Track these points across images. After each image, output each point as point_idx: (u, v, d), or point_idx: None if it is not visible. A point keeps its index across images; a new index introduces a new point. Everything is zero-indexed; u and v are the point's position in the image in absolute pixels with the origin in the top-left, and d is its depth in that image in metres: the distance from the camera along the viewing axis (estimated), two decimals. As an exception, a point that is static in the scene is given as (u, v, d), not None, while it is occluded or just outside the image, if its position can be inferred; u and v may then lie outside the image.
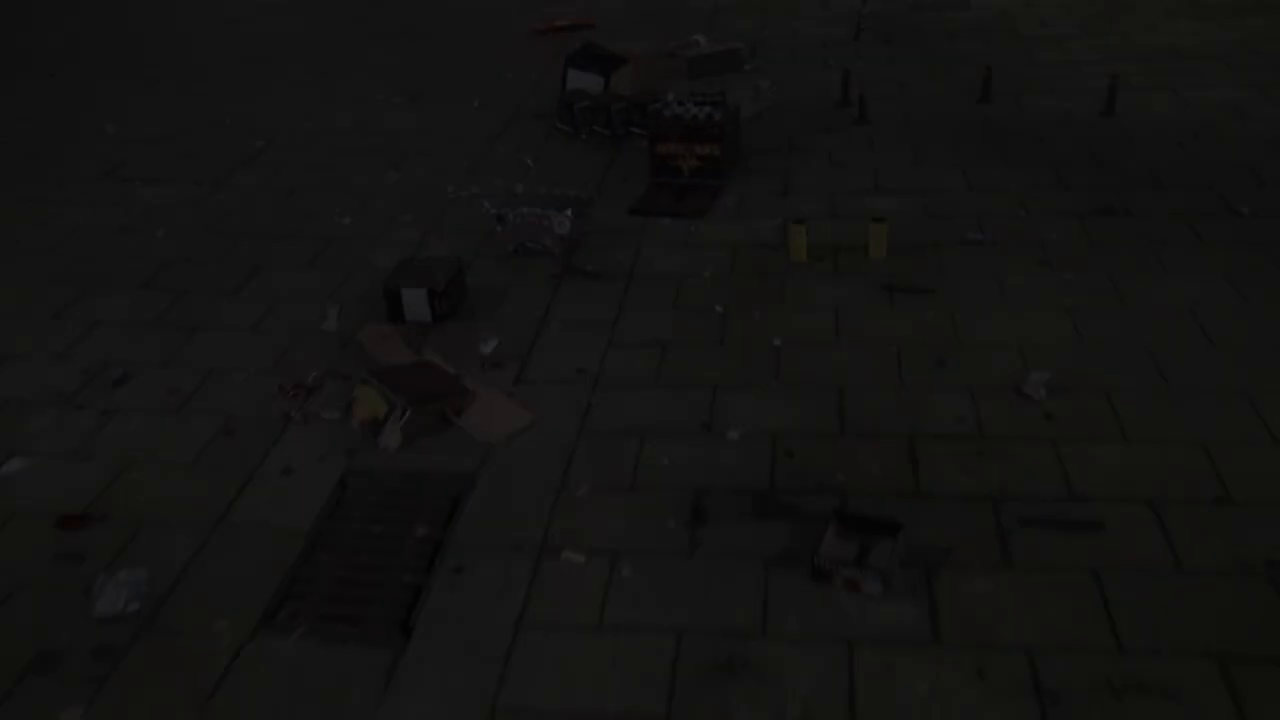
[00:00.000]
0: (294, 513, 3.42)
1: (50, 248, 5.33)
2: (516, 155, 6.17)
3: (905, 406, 3.68)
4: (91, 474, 3.63)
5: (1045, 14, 8.13)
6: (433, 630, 2.94)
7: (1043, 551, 3.02)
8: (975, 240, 4.76)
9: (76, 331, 4.53)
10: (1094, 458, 3.36)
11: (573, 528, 3.26)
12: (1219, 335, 3.95)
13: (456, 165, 6.07)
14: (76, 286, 4.91)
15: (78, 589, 3.13)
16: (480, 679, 2.77)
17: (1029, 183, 5.30)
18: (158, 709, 2.75)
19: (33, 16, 10.31)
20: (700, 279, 4.66)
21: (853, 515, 3.10)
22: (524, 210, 4.90)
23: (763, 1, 8.92)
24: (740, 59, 7.38)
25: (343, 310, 4.57)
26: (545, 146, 6.28)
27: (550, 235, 4.91)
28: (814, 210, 5.19)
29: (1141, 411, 3.56)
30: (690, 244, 4.99)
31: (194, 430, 3.84)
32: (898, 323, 4.19)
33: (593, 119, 6.37)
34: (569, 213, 4.89)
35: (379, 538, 3.32)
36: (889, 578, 2.92)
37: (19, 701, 2.79)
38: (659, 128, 5.55)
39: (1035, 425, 3.53)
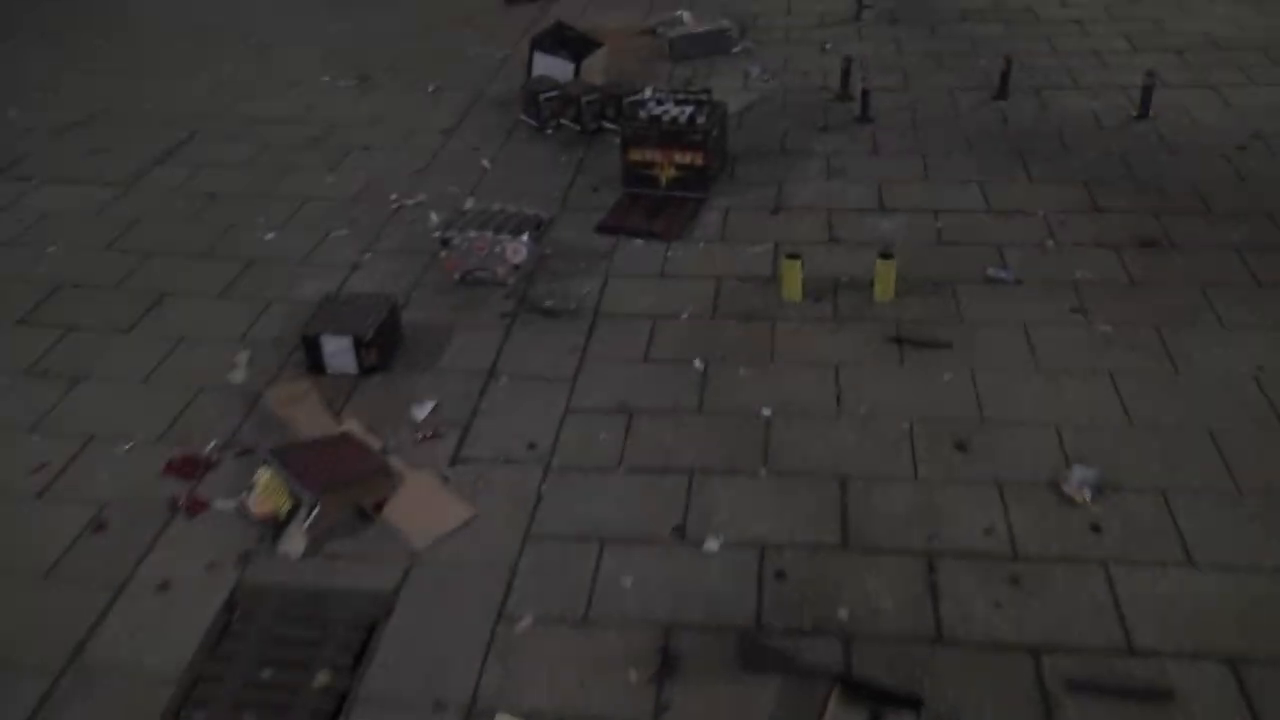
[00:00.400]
0: (167, 647, 2.75)
1: (-79, 266, 4.60)
2: (473, 154, 5.43)
3: (921, 509, 3.03)
4: (-77, 587, 2.96)
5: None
6: (324, 835, 2.30)
7: (1099, 733, 2.39)
8: (997, 279, 4.09)
9: (-64, 380, 3.83)
10: (1155, 591, 2.73)
11: (509, 678, 2.62)
12: (1293, 415, 3.31)
13: (404, 165, 5.33)
14: (-55, 319, 4.19)
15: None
16: None
17: (1056, 203, 4.62)
18: None
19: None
20: (677, 321, 3.97)
21: (860, 684, 2.46)
22: (472, 235, 4.19)
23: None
24: (729, 40, 6.63)
25: (254, 357, 3.87)
26: (505, 144, 5.54)
27: (502, 264, 4.21)
28: (810, 233, 4.50)
29: (1208, 523, 2.92)
30: (666, 274, 4.29)
31: (58, 523, 3.15)
32: (909, 388, 3.53)
33: (560, 111, 5.63)
34: (525, 238, 4.18)
35: (268, 688, 2.65)
36: (906, 774, 2.29)
37: None
38: (634, 131, 4.82)
39: (1081, 541, 2.89)
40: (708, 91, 4.96)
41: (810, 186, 4.90)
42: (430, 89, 6.28)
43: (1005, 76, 5.70)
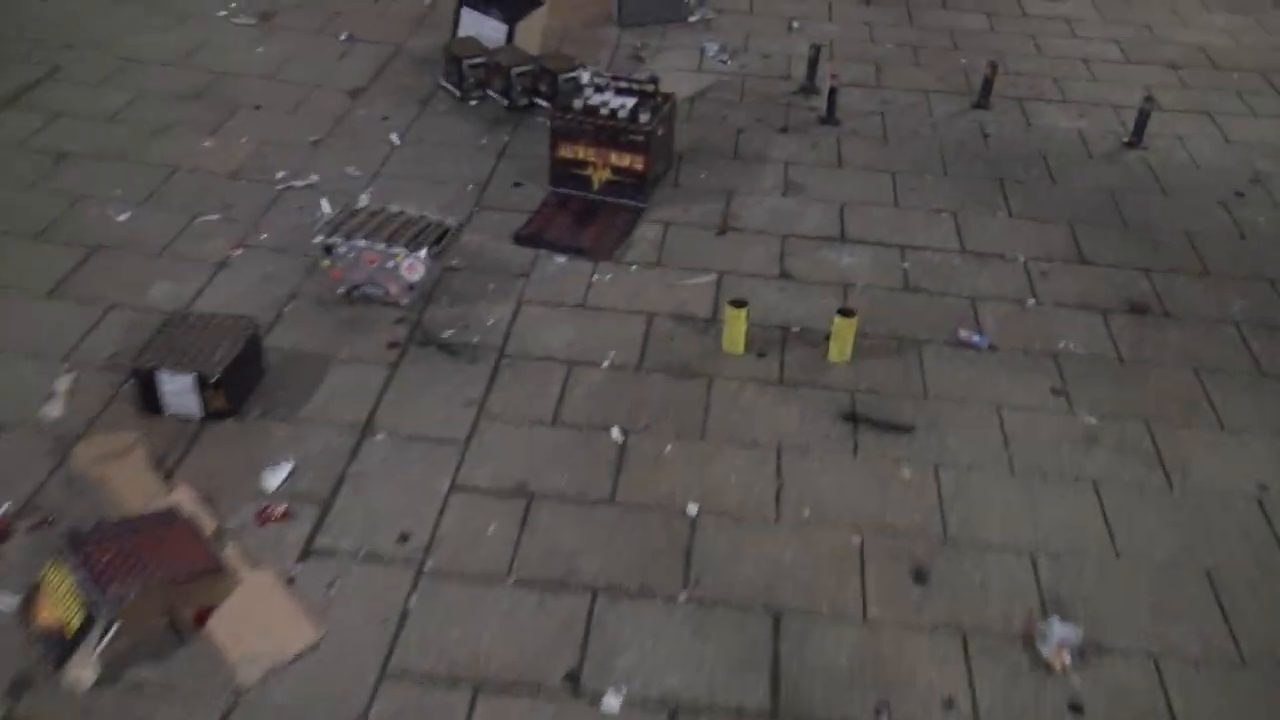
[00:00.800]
0: (-106, 817, 2.12)
1: None
2: (381, 125, 4.70)
3: (869, 664, 2.50)
4: None
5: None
6: None
7: None
8: (969, 343, 3.54)
9: None
10: (1143, 803, 2.25)
11: None
12: (1301, 554, 2.84)
13: (298, 133, 4.58)
14: None
15: None
16: None
17: (1039, 247, 4.08)
18: None
19: None
20: (597, 370, 3.36)
21: None
22: (361, 244, 3.51)
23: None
24: (685, 6, 5.93)
25: (78, 383, 3.17)
26: (420, 115, 4.81)
27: (396, 281, 3.54)
28: (759, 263, 3.90)
29: (1206, 706, 2.44)
30: (590, 305, 3.67)
31: None
32: (862, 486, 2.98)
33: (486, 82, 4.91)
34: (424, 254, 3.51)
35: None
36: None
37: None
38: (565, 124, 4.13)
39: (1057, 725, 2.39)
40: (655, 81, 4.27)
41: (763, 204, 4.28)
42: (342, 36, 5.48)
43: (988, 84, 5.11)
